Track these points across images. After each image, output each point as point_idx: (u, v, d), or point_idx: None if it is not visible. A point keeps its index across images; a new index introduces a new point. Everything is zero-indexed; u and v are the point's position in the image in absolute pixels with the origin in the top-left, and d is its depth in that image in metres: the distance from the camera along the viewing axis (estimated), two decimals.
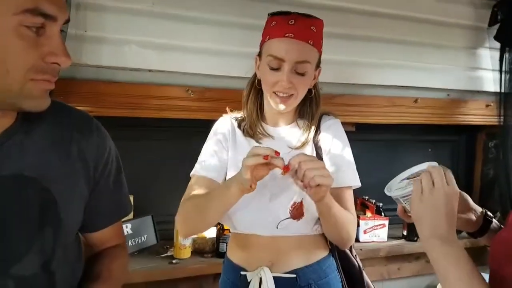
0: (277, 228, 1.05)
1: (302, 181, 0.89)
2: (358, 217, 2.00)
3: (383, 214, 2.05)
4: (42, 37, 0.65)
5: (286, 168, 0.89)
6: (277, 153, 0.88)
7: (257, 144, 1.12)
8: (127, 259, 0.96)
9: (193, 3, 1.64)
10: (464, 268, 0.67)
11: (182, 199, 1.10)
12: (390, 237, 2.06)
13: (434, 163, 0.80)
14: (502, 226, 0.84)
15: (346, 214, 1.06)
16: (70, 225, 0.78)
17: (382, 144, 2.28)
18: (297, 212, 1.04)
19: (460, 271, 0.67)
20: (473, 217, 0.87)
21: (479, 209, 0.88)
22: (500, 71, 2.09)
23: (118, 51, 1.58)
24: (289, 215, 1.04)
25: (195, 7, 1.64)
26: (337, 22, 1.83)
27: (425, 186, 0.74)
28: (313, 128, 1.13)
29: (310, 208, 1.05)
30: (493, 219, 0.88)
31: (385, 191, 0.83)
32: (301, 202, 1.04)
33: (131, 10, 1.57)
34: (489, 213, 0.89)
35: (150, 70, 1.63)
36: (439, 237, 0.70)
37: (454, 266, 0.68)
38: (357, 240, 1.99)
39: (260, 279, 1.03)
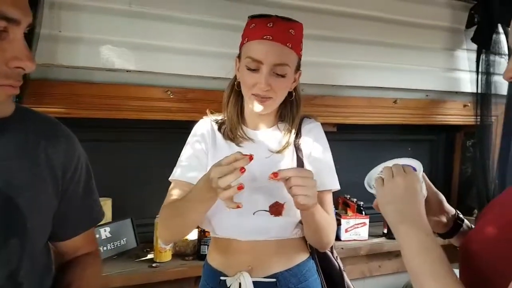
0: (253, 214, 1.05)
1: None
2: (340, 216, 2.03)
3: (363, 212, 2.07)
4: (4, 41, 0.63)
5: (275, 174, 0.90)
6: (251, 157, 0.85)
7: (237, 148, 1.11)
8: (100, 267, 0.94)
9: (172, 3, 1.61)
10: (429, 254, 0.66)
11: (162, 204, 1.08)
12: (371, 235, 2.09)
13: (414, 160, 0.83)
14: (473, 227, 0.86)
15: (327, 219, 1.06)
16: (38, 234, 0.76)
17: (362, 144, 2.30)
18: (276, 209, 1.03)
19: (425, 258, 0.66)
20: (444, 219, 0.89)
21: (452, 211, 0.90)
22: (477, 72, 2.14)
23: (95, 51, 1.54)
24: (267, 209, 1.04)
25: (174, 7, 1.61)
26: (318, 24, 1.83)
27: (385, 178, 0.77)
28: (293, 131, 1.13)
29: (291, 213, 1.05)
30: (464, 221, 0.89)
31: (366, 186, 0.85)
32: (283, 204, 1.04)
33: (108, 9, 1.53)
34: (461, 215, 0.90)
35: (128, 71, 1.60)
36: (404, 222, 0.71)
37: (419, 252, 0.67)
38: (338, 239, 2.01)
39: (240, 284, 1.03)
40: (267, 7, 1.71)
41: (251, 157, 0.85)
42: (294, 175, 0.90)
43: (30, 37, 1.32)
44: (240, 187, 0.86)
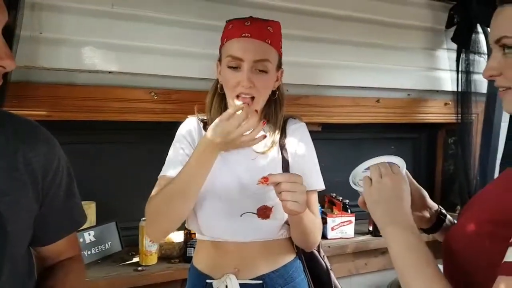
0: (240, 216, 1.04)
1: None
2: (326, 215, 2.04)
3: (349, 210, 2.09)
4: None
5: (265, 179, 0.90)
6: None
7: (223, 152, 1.10)
8: (83, 271, 0.93)
9: (154, 5, 1.60)
10: (415, 253, 0.68)
11: (149, 198, 1.05)
12: (357, 233, 2.11)
13: (397, 157, 0.84)
14: (455, 222, 0.87)
15: (314, 220, 1.07)
16: (18, 239, 0.75)
17: (347, 142, 2.33)
18: (264, 213, 1.04)
19: (411, 256, 0.68)
20: (427, 215, 0.90)
21: (435, 206, 0.91)
22: (457, 71, 2.18)
23: (77, 53, 1.51)
24: (255, 211, 1.04)
25: (156, 9, 1.60)
26: (301, 25, 1.85)
27: (373, 178, 0.78)
28: (278, 131, 1.13)
29: (278, 215, 1.06)
30: (447, 217, 0.91)
31: (350, 183, 0.86)
32: (271, 208, 1.04)
33: (90, 11, 1.51)
34: (443, 211, 0.92)
35: (110, 72, 1.58)
36: (392, 223, 0.72)
37: (406, 251, 0.68)
38: (325, 237, 2.02)
39: (226, 286, 1.02)
40: (251, 8, 1.71)
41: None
42: (284, 180, 0.91)
43: (9, 39, 1.29)
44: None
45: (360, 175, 0.85)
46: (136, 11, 1.58)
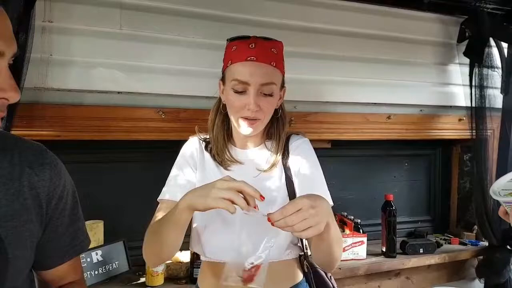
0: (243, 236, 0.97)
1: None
2: None
3: (361, 230, 2.04)
4: None
5: (269, 220, 0.84)
6: (261, 197, 0.84)
7: (226, 172, 1.10)
8: None
9: (162, 25, 1.63)
10: None
11: (149, 225, 1.06)
12: (369, 254, 2.04)
13: None
14: None
15: (338, 232, 0.98)
16: (19, 265, 0.74)
17: (358, 160, 2.29)
18: (248, 276, 0.91)
19: None
20: None
21: None
22: (470, 86, 2.13)
23: (86, 74, 1.54)
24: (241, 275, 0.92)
25: (164, 29, 1.63)
26: (311, 42, 1.86)
27: None
28: (280, 148, 1.11)
29: (281, 236, 1.03)
30: None
31: (491, 193, 0.87)
32: (259, 267, 0.91)
33: (99, 33, 1.54)
34: None
35: (119, 92, 1.60)
36: None
37: None
38: None
39: None
40: (258, 27, 1.73)
41: (262, 197, 0.84)
42: (286, 214, 0.81)
43: (20, 62, 1.33)
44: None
45: (504, 185, 0.85)
46: (144, 32, 1.61)
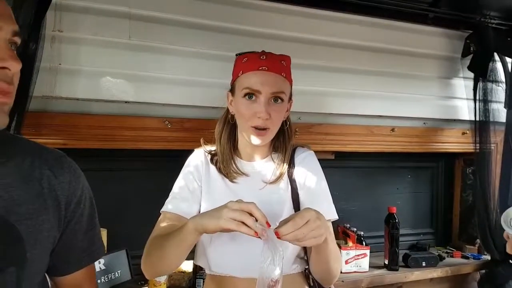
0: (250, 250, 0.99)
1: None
2: (340, 247, 1.98)
3: (364, 243, 2.03)
4: None
5: (276, 234, 0.85)
6: (268, 224, 0.85)
7: (231, 184, 1.11)
8: None
9: (170, 36, 1.64)
10: None
11: (149, 237, 1.06)
12: (372, 266, 2.03)
13: None
14: None
15: (336, 249, 1.04)
16: (36, 265, 0.75)
17: (361, 171, 2.29)
18: None
19: None
20: None
21: None
22: (474, 100, 2.14)
23: (94, 83, 1.55)
24: None
25: (171, 40, 1.65)
26: (317, 54, 1.87)
27: None
28: (286, 161, 1.12)
29: (288, 249, 1.03)
30: None
31: (502, 223, 0.85)
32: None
33: (108, 42, 1.56)
34: None
35: (126, 102, 1.61)
36: None
37: None
38: None
39: None
40: (264, 38, 1.75)
41: (268, 224, 0.85)
42: (293, 229, 0.84)
43: (29, 70, 1.34)
44: (256, 234, 0.84)
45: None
46: (152, 43, 1.62)
